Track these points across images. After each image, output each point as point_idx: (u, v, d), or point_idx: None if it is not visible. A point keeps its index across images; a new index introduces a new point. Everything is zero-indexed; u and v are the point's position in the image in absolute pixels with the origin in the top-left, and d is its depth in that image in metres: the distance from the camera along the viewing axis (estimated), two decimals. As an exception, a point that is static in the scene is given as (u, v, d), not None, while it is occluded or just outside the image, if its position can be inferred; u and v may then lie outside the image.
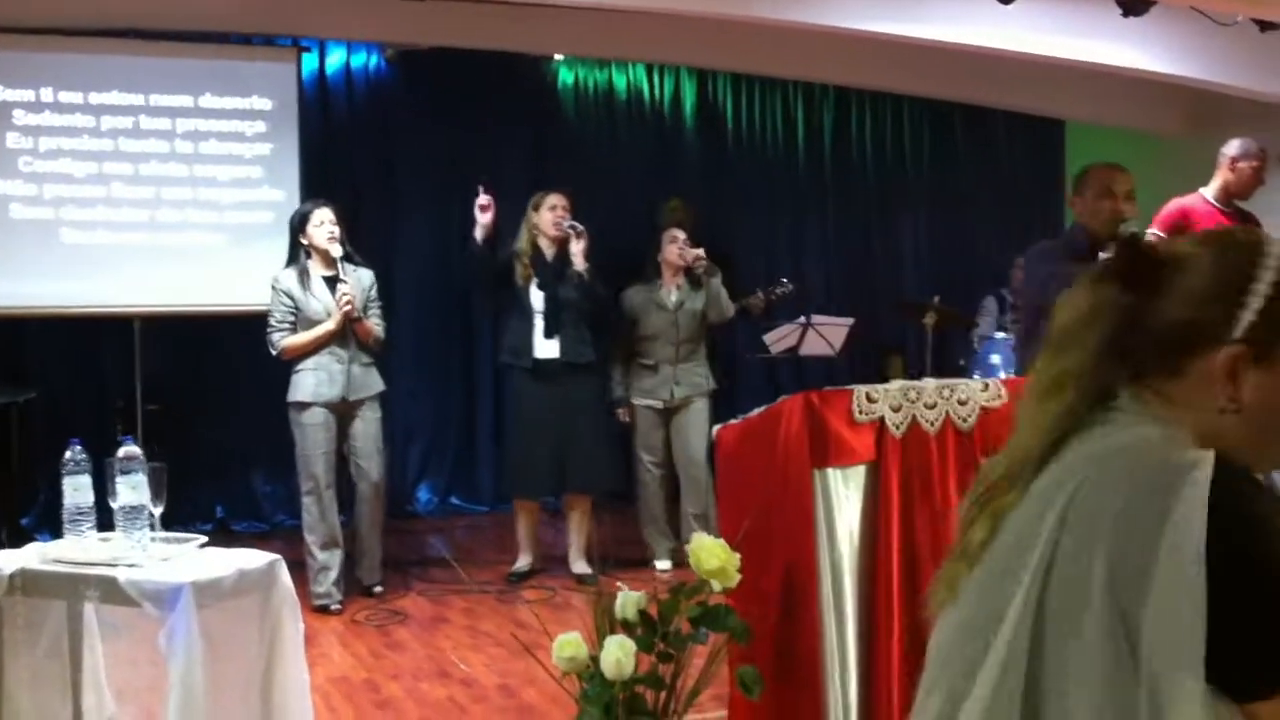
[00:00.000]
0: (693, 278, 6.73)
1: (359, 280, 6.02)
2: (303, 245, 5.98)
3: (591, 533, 6.60)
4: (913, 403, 3.22)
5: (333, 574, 5.97)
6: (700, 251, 6.65)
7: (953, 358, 8.13)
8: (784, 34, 7.05)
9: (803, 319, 7.31)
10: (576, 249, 6.39)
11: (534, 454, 6.42)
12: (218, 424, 7.52)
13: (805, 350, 7.35)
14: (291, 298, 5.93)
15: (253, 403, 7.56)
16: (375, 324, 6.08)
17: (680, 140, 8.94)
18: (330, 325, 5.89)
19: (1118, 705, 1.25)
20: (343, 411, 6.00)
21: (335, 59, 8.07)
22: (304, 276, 5.94)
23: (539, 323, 6.38)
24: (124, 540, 3.86)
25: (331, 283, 5.94)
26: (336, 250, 5.92)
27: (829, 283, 9.13)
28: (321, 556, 5.95)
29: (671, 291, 6.74)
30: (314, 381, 5.92)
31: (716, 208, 8.52)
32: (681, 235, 6.75)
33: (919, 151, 9.52)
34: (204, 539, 4.11)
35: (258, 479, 7.86)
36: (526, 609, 6.00)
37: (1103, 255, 4.27)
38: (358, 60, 8.13)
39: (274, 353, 5.98)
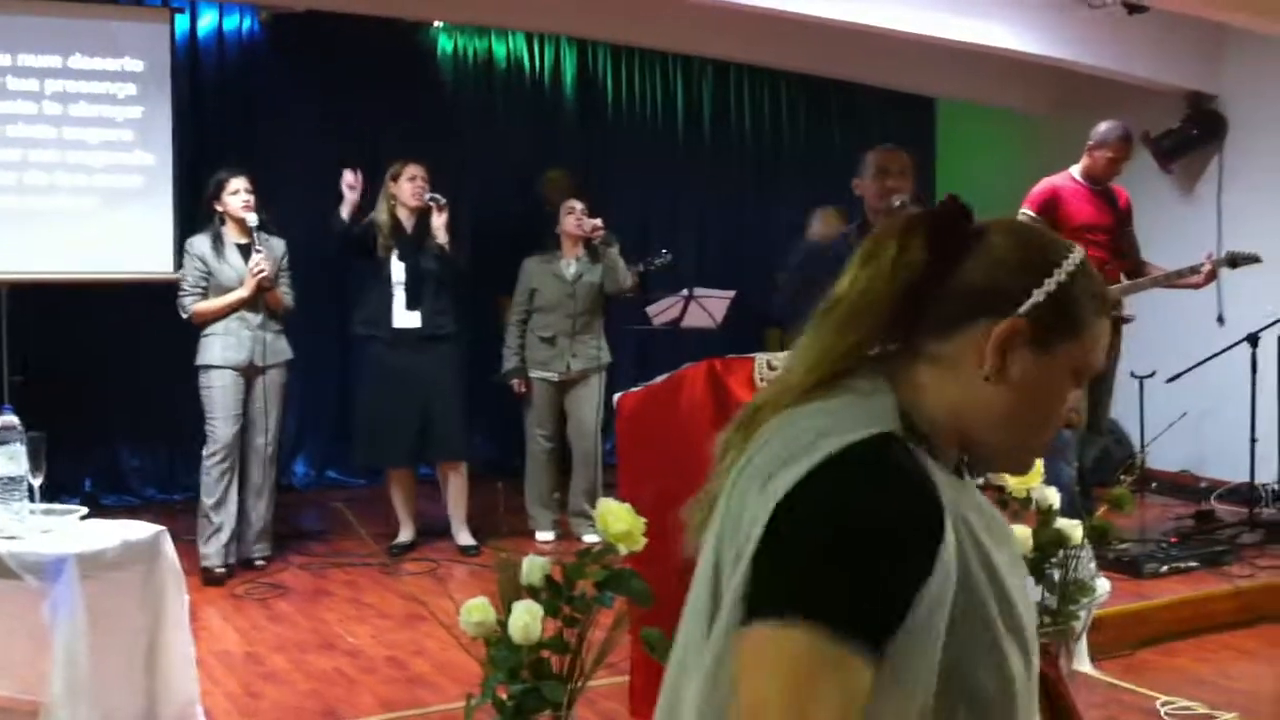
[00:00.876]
0: (591, 250, 6.73)
1: (272, 249, 6.05)
2: (217, 212, 6.01)
3: (496, 504, 6.56)
4: (812, 370, 3.26)
5: (224, 536, 5.93)
6: (598, 222, 6.66)
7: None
8: (664, 6, 7.08)
9: (686, 291, 7.36)
10: (438, 221, 6.35)
11: (390, 423, 6.38)
12: (86, 395, 7.30)
13: (687, 322, 7.40)
14: (205, 263, 5.94)
15: (123, 374, 7.38)
16: (285, 293, 6.13)
17: (560, 111, 8.92)
18: (243, 292, 5.93)
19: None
20: (251, 377, 6.00)
21: (207, 20, 7.87)
22: (217, 243, 5.99)
23: (399, 294, 6.34)
24: (2, 512, 3.75)
25: (245, 250, 5.97)
26: (252, 219, 5.96)
27: (706, 255, 9.19)
28: (216, 519, 5.91)
29: (570, 263, 6.73)
30: (222, 346, 5.94)
31: (595, 179, 8.51)
32: (579, 206, 6.74)
33: (795, 127, 9.63)
34: (85, 510, 4.03)
35: (126, 452, 7.68)
36: (409, 580, 5.97)
37: None
38: (230, 22, 7.95)
39: (184, 316, 5.98)
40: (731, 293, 7.49)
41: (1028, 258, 1.39)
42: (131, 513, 6.82)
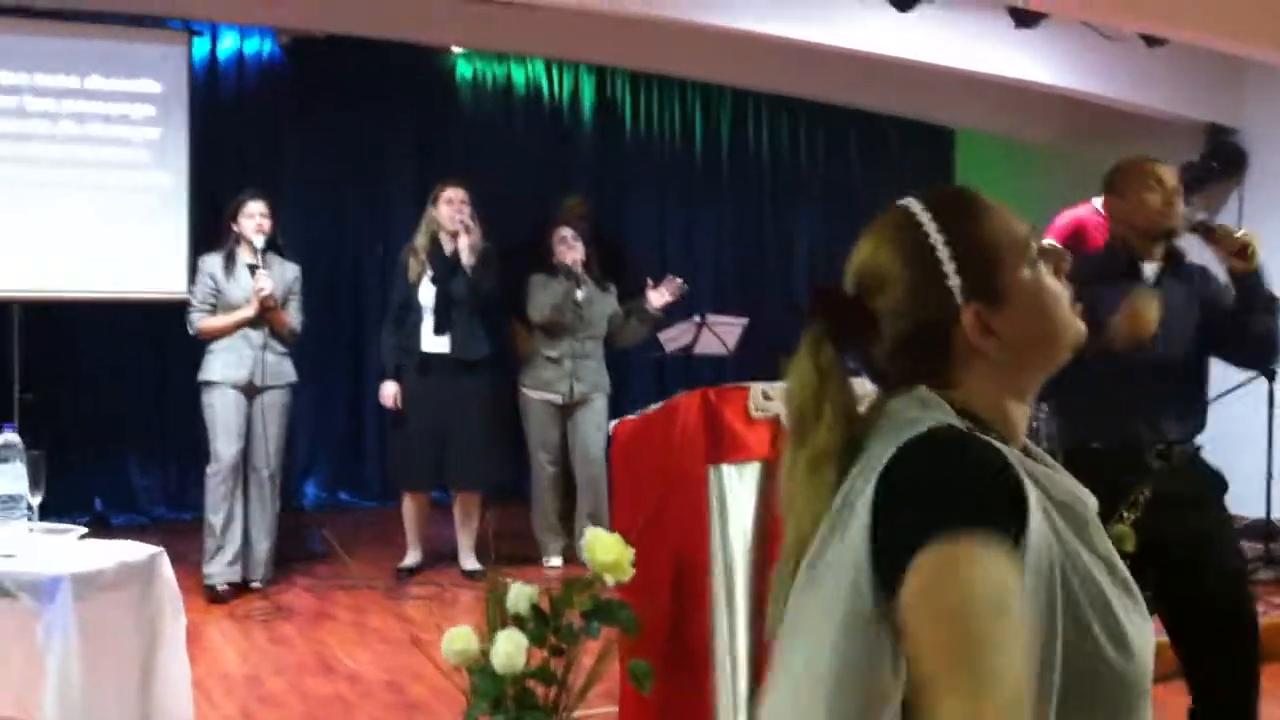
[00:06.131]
0: (599, 280, 6.74)
1: (283, 272, 6.12)
2: (234, 232, 6.06)
3: (485, 528, 6.52)
4: (807, 400, 3.22)
5: (228, 555, 5.95)
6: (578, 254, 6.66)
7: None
8: (683, 33, 7.08)
9: (697, 318, 7.33)
10: (462, 244, 6.33)
11: (416, 447, 6.38)
12: (97, 414, 7.34)
13: (699, 349, 7.37)
14: (215, 281, 6.03)
15: (134, 393, 7.41)
16: (293, 316, 6.16)
17: (578, 137, 8.93)
18: (247, 311, 5.99)
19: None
20: (251, 395, 6.01)
21: (228, 44, 7.92)
22: (229, 262, 6.05)
23: (428, 318, 6.33)
24: (0, 530, 3.75)
25: (255, 271, 6.02)
26: (259, 241, 6.02)
27: (722, 283, 9.16)
28: (220, 536, 5.93)
29: (583, 288, 6.69)
30: (222, 363, 5.99)
31: (612, 206, 8.52)
32: (569, 233, 6.73)
33: (813, 155, 9.61)
34: (84, 530, 4.01)
35: (136, 471, 7.68)
36: (413, 604, 5.95)
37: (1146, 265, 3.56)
38: (251, 46, 7.99)
39: (191, 332, 6.07)
40: (744, 320, 7.45)
41: (912, 272, 1.40)
42: (140, 532, 6.86)
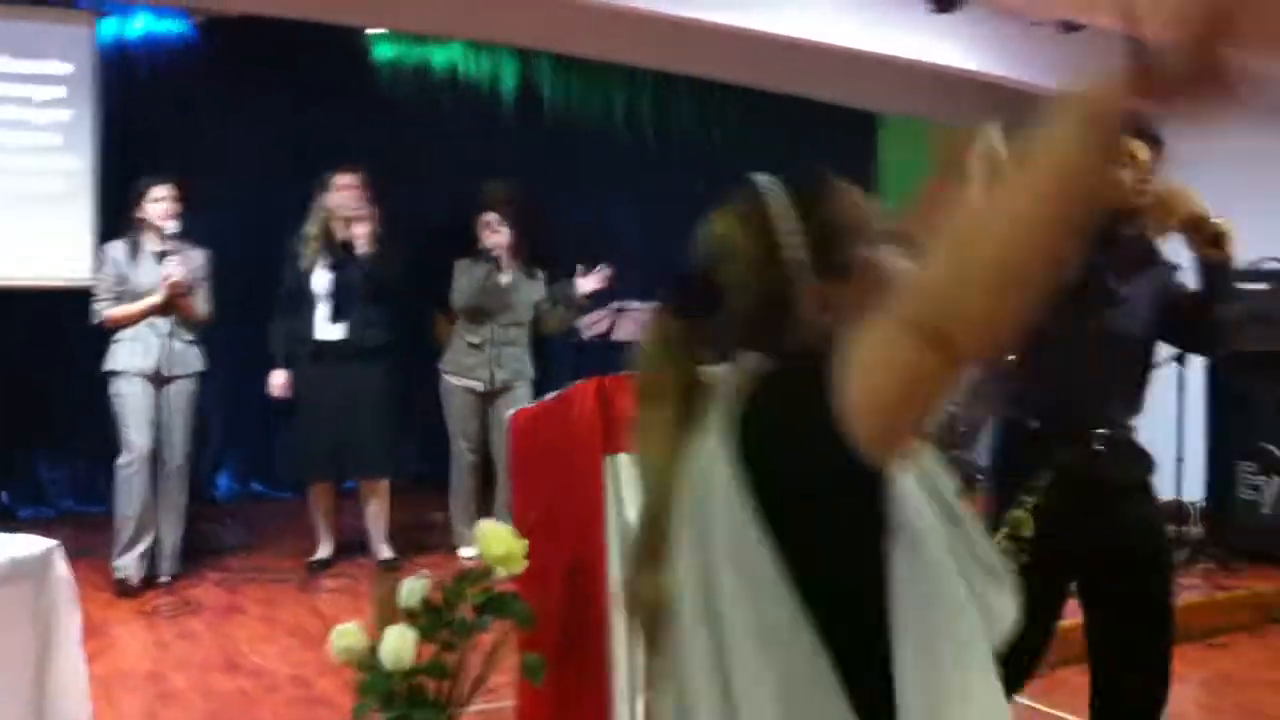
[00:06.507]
0: (525, 266, 6.66)
1: (190, 259, 5.97)
2: (137, 218, 5.92)
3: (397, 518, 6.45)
4: (707, 388, 3.18)
5: (140, 548, 5.83)
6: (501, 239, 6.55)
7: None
8: (605, 17, 7.00)
9: (614, 305, 7.27)
10: (359, 230, 6.24)
11: (313, 436, 6.27)
12: (1, 406, 7.14)
13: (618, 335, 7.31)
14: (119, 268, 5.90)
15: (40, 383, 7.22)
16: (200, 303, 6.03)
17: (499, 120, 8.82)
18: (155, 299, 5.85)
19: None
20: (158, 385, 5.89)
21: (139, 24, 7.73)
22: (134, 249, 5.92)
23: (323, 306, 6.23)
24: (-120, 525, 3.63)
25: (162, 257, 5.89)
26: (170, 226, 5.88)
27: (644, 267, 9.08)
28: (133, 529, 5.80)
29: (506, 273, 6.61)
30: (128, 352, 5.86)
31: (534, 189, 8.40)
32: (494, 218, 6.64)
33: (741, 139, 9.56)
34: (-26, 525, 3.90)
35: (44, 464, 7.50)
36: (325, 597, 5.86)
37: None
38: (164, 26, 7.80)
39: (96, 321, 5.92)
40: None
41: (756, 255, 1.48)
42: (48, 526, 6.68)
